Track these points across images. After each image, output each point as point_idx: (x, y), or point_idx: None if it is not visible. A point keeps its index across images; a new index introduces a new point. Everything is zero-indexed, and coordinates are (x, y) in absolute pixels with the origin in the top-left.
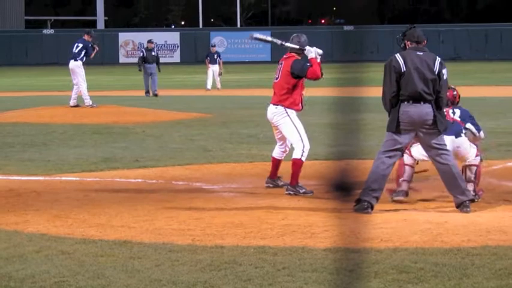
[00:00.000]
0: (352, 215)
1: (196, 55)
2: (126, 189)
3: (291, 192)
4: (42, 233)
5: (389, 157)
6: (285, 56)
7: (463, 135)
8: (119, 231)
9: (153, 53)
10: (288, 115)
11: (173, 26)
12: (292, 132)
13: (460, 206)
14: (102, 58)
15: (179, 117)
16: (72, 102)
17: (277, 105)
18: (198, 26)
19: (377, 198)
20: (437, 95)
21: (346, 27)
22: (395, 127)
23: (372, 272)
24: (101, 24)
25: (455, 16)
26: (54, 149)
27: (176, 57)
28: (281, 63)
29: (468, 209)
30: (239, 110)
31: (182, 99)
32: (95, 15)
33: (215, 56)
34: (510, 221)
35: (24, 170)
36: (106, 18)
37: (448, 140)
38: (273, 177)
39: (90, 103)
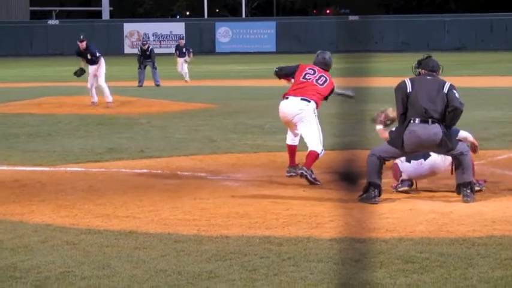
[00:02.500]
0: (358, 205)
1: (202, 46)
2: (131, 179)
3: (304, 173)
4: (47, 224)
5: (384, 159)
6: (321, 68)
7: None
8: (124, 221)
9: (147, 52)
10: (316, 115)
11: (178, 17)
12: (314, 133)
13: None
14: (107, 48)
15: (184, 107)
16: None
17: (311, 101)
18: (203, 17)
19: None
20: (446, 113)
21: (351, 17)
22: (400, 145)
23: (377, 262)
24: (106, 15)
25: (460, 6)
26: (59, 140)
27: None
28: (319, 72)
29: (470, 197)
30: (244, 100)
31: (187, 90)
32: (100, 5)
33: (184, 50)
34: None
35: (29, 160)
36: (111, 8)
37: (418, 165)
38: (293, 164)
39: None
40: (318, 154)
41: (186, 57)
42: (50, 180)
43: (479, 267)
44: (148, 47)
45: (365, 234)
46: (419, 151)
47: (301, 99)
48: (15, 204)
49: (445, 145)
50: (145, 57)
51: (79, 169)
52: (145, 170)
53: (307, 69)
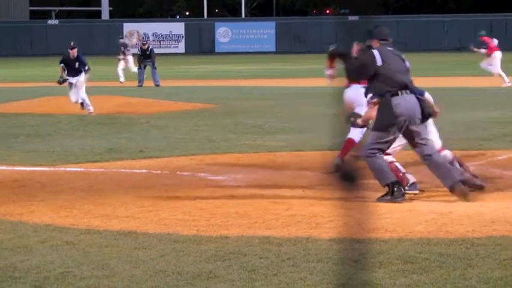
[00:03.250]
0: (357, 205)
1: (201, 46)
2: (131, 179)
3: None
4: (47, 224)
5: (381, 150)
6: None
7: None
8: (123, 221)
9: (147, 52)
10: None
11: (178, 17)
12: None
13: (454, 189)
14: (107, 48)
15: (184, 107)
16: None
17: None
18: (203, 17)
19: (400, 184)
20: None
21: (350, 18)
22: (393, 122)
23: (376, 262)
24: (105, 15)
25: (460, 6)
26: (58, 140)
27: (181, 47)
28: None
29: (463, 188)
30: (244, 100)
31: (186, 90)
32: (100, 5)
33: (122, 48)
34: None
35: (28, 160)
36: (111, 8)
37: None
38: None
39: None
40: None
41: (126, 57)
42: (50, 180)
43: (478, 267)
44: (148, 47)
45: (364, 235)
46: (408, 125)
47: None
48: (15, 204)
49: (426, 110)
50: (145, 57)
51: (78, 169)
52: (144, 170)
53: None
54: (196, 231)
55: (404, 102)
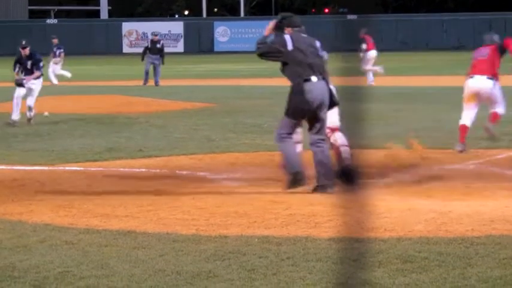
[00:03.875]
0: (357, 205)
1: (200, 45)
2: (130, 179)
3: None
4: (46, 223)
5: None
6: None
7: None
8: (123, 221)
9: (157, 45)
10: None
11: (177, 16)
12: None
13: (322, 188)
14: (106, 48)
15: (183, 107)
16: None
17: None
18: (202, 16)
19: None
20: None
21: (349, 17)
22: (305, 109)
23: (376, 262)
24: (104, 14)
25: (459, 5)
26: (58, 139)
27: (180, 47)
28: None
29: (331, 190)
30: (243, 99)
31: (186, 89)
32: (99, 4)
33: (54, 49)
34: None
35: (28, 160)
36: (109, 7)
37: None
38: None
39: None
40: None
41: (57, 58)
42: (49, 180)
43: (477, 266)
44: (159, 40)
45: (364, 234)
46: (317, 111)
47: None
48: (14, 204)
49: (334, 99)
50: (154, 51)
51: (78, 168)
52: (144, 170)
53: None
54: (195, 230)
55: (315, 88)
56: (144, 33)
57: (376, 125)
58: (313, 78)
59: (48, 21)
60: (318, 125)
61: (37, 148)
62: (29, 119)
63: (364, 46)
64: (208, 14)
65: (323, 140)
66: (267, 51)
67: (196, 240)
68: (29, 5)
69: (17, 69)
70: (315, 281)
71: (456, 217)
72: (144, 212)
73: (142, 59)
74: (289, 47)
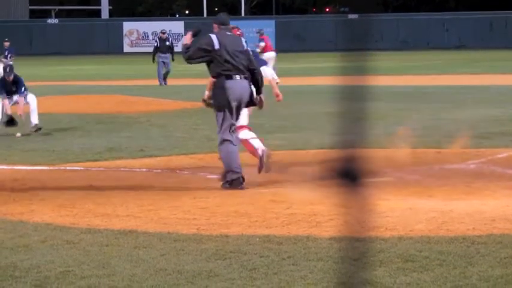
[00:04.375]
0: (357, 204)
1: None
2: (131, 178)
3: None
4: (47, 223)
5: (231, 134)
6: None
7: None
8: (124, 220)
9: (167, 43)
10: None
11: (177, 15)
12: None
13: (228, 182)
14: (107, 47)
15: (183, 106)
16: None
17: None
18: (203, 15)
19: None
20: (252, 72)
21: (350, 16)
22: (227, 105)
23: (377, 261)
24: (105, 14)
25: (460, 4)
26: (58, 139)
27: (180, 46)
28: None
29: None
30: None
31: (186, 89)
32: (99, 4)
33: (6, 52)
34: None
35: (28, 160)
36: (110, 7)
37: None
38: None
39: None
40: None
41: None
42: (50, 180)
43: (479, 265)
44: (168, 38)
45: (365, 233)
46: (237, 108)
47: None
48: (15, 204)
49: (251, 100)
50: (164, 50)
51: (79, 168)
52: (144, 169)
53: None
54: (196, 230)
55: (236, 86)
56: (145, 33)
57: (377, 124)
58: (236, 77)
59: (49, 21)
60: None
61: (38, 148)
62: (37, 129)
63: (262, 44)
64: (208, 14)
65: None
66: (195, 54)
67: (197, 240)
68: (30, 5)
69: (4, 95)
70: (316, 281)
71: (457, 216)
72: (145, 212)
73: (154, 60)
74: (216, 46)
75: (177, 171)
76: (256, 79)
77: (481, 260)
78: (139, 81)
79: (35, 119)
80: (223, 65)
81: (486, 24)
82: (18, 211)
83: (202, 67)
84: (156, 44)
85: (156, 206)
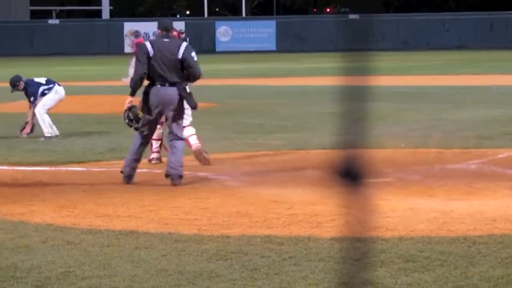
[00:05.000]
0: (358, 204)
1: (201, 45)
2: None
3: None
4: (48, 223)
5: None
6: None
7: None
8: (125, 221)
9: (186, 42)
10: None
11: (178, 16)
12: None
13: (173, 179)
14: (108, 48)
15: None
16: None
17: None
18: (203, 16)
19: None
20: (187, 77)
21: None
22: (146, 109)
23: (378, 261)
24: (106, 14)
25: (460, 5)
26: (59, 139)
27: None
28: None
29: (178, 182)
30: (244, 99)
31: None
32: (100, 4)
33: None
34: None
35: (29, 160)
36: (111, 7)
37: None
38: None
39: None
40: None
41: None
42: (51, 180)
43: (480, 266)
44: (186, 38)
45: (366, 233)
46: (161, 113)
47: None
48: (16, 204)
49: (180, 105)
50: None
51: (80, 169)
52: (145, 170)
53: None
54: (197, 230)
55: (158, 93)
56: (145, 33)
57: (378, 124)
58: (159, 84)
59: (50, 21)
60: (168, 125)
61: (39, 148)
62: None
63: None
64: (209, 14)
65: (174, 139)
66: (142, 68)
67: (198, 240)
68: (31, 5)
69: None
70: (317, 281)
71: (458, 216)
72: (146, 212)
73: None
74: (151, 53)
75: None
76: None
77: (482, 260)
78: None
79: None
80: (152, 71)
81: (486, 25)
82: (19, 211)
83: (212, 67)
84: None
85: (157, 206)
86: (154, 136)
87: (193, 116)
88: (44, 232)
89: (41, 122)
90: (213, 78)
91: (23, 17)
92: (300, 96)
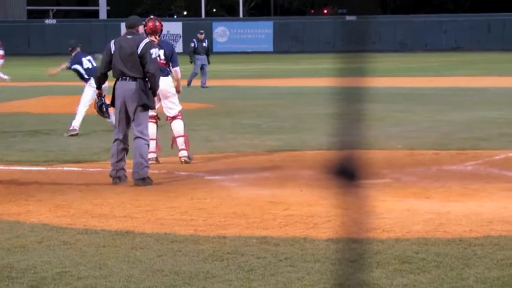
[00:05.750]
0: (355, 205)
1: None
2: (128, 179)
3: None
4: (44, 224)
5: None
6: None
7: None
8: (121, 221)
9: (204, 44)
10: None
11: (175, 16)
12: None
13: (139, 180)
14: (105, 48)
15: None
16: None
17: None
18: (201, 16)
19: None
20: (145, 73)
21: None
22: (113, 103)
23: (374, 262)
24: (103, 14)
25: (458, 6)
26: (56, 139)
27: (179, 47)
28: None
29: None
30: (241, 100)
31: (184, 89)
32: (97, 5)
33: None
34: None
35: (26, 160)
36: (108, 8)
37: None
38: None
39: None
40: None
41: None
42: (47, 180)
43: (475, 267)
44: (204, 38)
45: (362, 235)
46: (126, 108)
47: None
48: (12, 204)
49: (141, 99)
50: (200, 51)
51: (76, 169)
52: None
53: None
54: (193, 231)
55: (121, 88)
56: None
57: (374, 125)
58: (121, 79)
59: (47, 21)
60: (132, 121)
61: (35, 148)
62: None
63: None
64: (207, 15)
65: (139, 136)
66: (102, 67)
67: (194, 241)
68: (28, 5)
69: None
70: (313, 282)
71: (454, 218)
72: (143, 213)
73: (192, 61)
74: (112, 50)
75: (175, 172)
76: (149, 81)
77: (478, 261)
78: None
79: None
80: (115, 67)
81: (483, 27)
82: (15, 211)
83: (209, 68)
84: (193, 45)
85: (153, 206)
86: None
87: (190, 115)
88: (39, 232)
89: (79, 116)
90: (210, 78)
91: (19, 17)
92: (297, 97)
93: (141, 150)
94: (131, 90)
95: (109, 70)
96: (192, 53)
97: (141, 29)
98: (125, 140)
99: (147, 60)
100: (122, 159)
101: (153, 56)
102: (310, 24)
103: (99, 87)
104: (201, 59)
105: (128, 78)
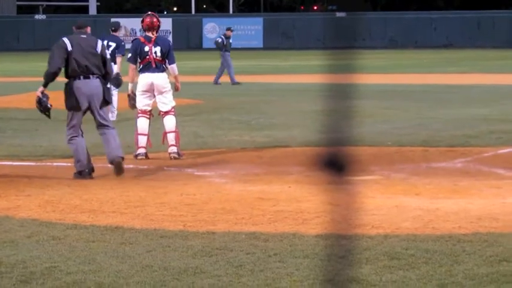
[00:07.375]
0: (344, 201)
1: (189, 41)
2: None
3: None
4: (33, 219)
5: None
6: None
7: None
8: (110, 217)
9: (230, 41)
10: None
11: (165, 12)
12: None
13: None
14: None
15: None
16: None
17: None
18: (191, 12)
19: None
20: (105, 72)
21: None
22: (76, 104)
23: (363, 259)
24: (93, 10)
25: (448, 3)
26: (45, 135)
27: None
28: None
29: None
30: (230, 96)
31: (173, 85)
32: (87, 0)
33: None
34: (501, 208)
35: (15, 155)
36: (98, 3)
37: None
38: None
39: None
40: None
41: None
42: (36, 175)
43: (464, 264)
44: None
45: (351, 231)
46: (89, 106)
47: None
48: (1, 199)
49: (108, 96)
50: (229, 48)
51: (65, 164)
52: (131, 166)
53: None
54: (183, 226)
55: (83, 86)
56: (132, 30)
57: (365, 122)
58: (83, 77)
59: (37, 16)
60: (97, 114)
61: (25, 143)
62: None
63: None
64: (196, 11)
65: (105, 125)
66: (55, 61)
67: (183, 236)
68: (17, 1)
69: None
70: (302, 278)
71: (443, 215)
72: (132, 208)
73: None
74: (69, 47)
75: (164, 168)
76: (106, 80)
77: (467, 258)
78: (127, 77)
79: None
80: (74, 66)
81: (474, 24)
82: (4, 206)
83: (199, 64)
84: (221, 40)
85: (142, 202)
86: (140, 131)
87: (180, 111)
88: (29, 227)
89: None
90: (199, 74)
91: (9, 12)
92: (287, 93)
93: (114, 135)
94: (98, 87)
95: (63, 65)
96: (220, 49)
97: (89, 29)
98: (80, 134)
99: (106, 60)
100: (87, 153)
101: (108, 56)
102: (300, 21)
103: (46, 85)
104: (228, 55)
105: (91, 76)
